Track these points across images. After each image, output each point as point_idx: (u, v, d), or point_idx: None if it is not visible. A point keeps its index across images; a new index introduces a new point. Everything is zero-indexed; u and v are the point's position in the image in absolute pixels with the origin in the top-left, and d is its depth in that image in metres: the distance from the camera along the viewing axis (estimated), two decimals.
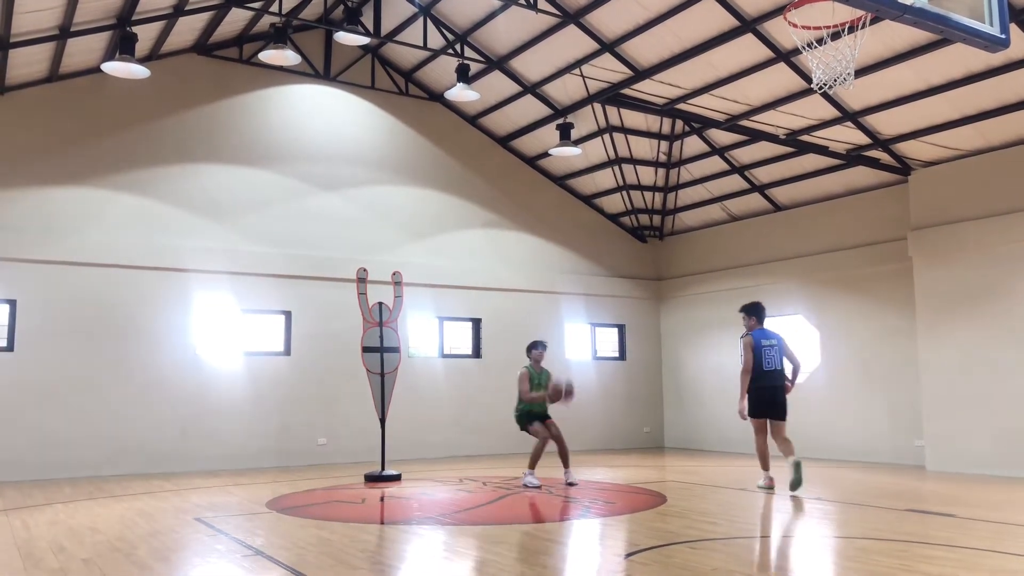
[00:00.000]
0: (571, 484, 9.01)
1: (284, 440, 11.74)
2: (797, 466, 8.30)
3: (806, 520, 6.99)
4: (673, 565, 5.10)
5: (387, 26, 11.85)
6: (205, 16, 10.68)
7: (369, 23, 11.50)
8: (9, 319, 10.32)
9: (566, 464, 9.19)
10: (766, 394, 8.63)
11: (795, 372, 8.89)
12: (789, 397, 8.85)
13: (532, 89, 12.46)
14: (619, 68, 11.05)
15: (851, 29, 5.94)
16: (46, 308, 10.44)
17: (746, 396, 8.63)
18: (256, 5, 10.58)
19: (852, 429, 12.11)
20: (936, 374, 10.77)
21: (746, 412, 8.61)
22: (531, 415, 9.18)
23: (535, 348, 9.37)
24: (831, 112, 10.60)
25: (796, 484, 8.29)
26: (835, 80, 6.25)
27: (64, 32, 9.40)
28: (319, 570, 5.03)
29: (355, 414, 12.04)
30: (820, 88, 6.42)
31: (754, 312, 8.93)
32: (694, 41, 10.07)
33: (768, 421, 8.66)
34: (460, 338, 13.72)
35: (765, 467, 8.74)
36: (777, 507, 7.70)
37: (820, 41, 6.32)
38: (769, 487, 8.60)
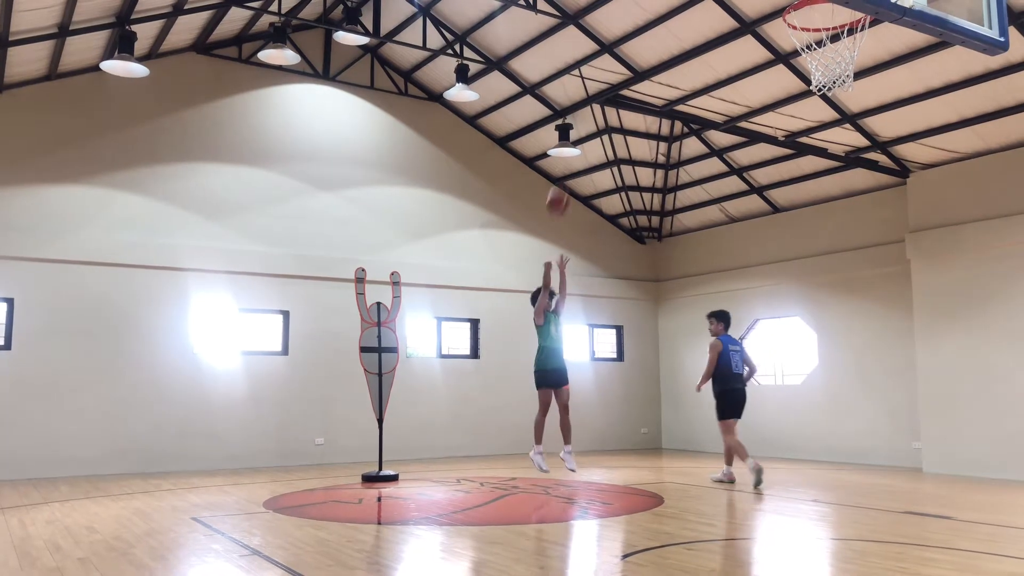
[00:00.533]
0: (570, 469, 8.70)
1: (282, 440, 11.73)
2: (731, 480, 9.29)
3: (803, 522, 6.99)
4: (670, 566, 5.10)
5: (386, 26, 11.85)
6: (204, 15, 10.67)
7: (368, 23, 11.50)
8: (7, 317, 10.31)
9: (566, 439, 8.69)
10: (737, 396, 9.27)
11: (750, 375, 9.60)
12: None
13: (531, 90, 12.46)
14: (618, 69, 11.05)
15: (850, 31, 5.94)
16: (44, 307, 10.43)
17: (710, 380, 9.33)
18: (255, 4, 10.58)
19: (849, 431, 12.12)
20: (934, 376, 10.78)
21: (699, 390, 9.40)
22: (545, 375, 8.68)
23: (540, 295, 8.92)
24: (830, 114, 10.61)
25: (722, 481, 9.30)
26: (834, 82, 6.25)
27: (63, 30, 9.39)
28: (316, 570, 5.02)
29: (353, 414, 12.04)
30: (819, 90, 6.42)
31: (722, 318, 9.57)
32: (693, 42, 10.08)
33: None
34: (458, 338, 13.72)
35: (744, 456, 9.03)
36: (774, 509, 7.70)
37: (819, 43, 6.33)
38: (757, 471, 8.79)
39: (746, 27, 9.46)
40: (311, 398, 12.02)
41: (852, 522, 6.91)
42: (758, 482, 8.78)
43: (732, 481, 9.33)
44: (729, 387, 9.22)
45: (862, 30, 5.88)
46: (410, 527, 6.72)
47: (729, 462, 9.41)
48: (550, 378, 8.68)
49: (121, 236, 11.00)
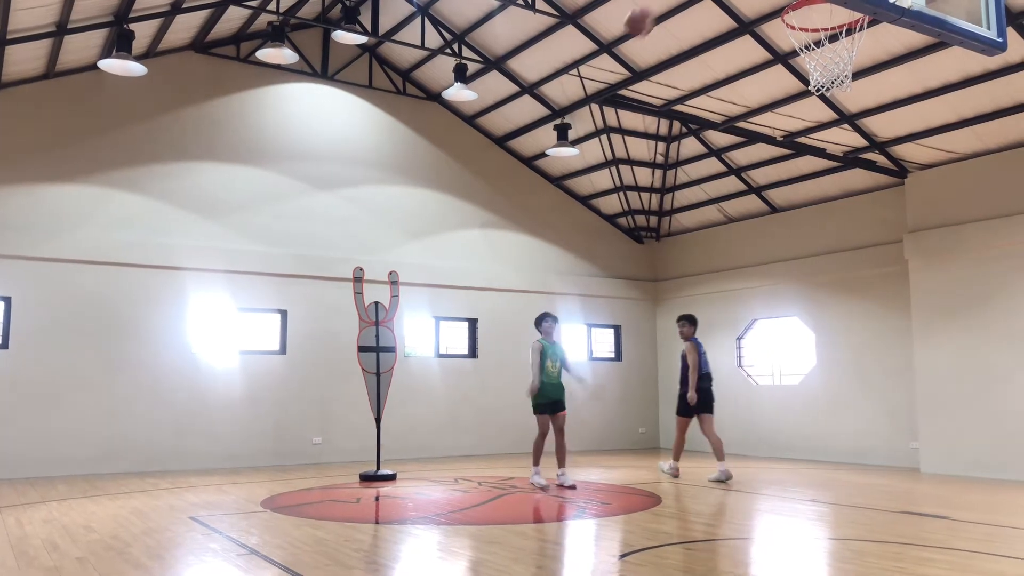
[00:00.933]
0: (569, 487, 8.81)
1: (279, 439, 11.73)
2: (728, 477, 9.58)
3: (800, 522, 7.00)
4: (667, 566, 5.10)
5: (385, 25, 11.85)
6: (202, 14, 10.66)
7: (367, 22, 11.50)
8: (4, 317, 10.30)
9: (560, 463, 9.06)
10: (706, 394, 9.91)
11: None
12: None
13: (530, 89, 12.46)
14: (617, 69, 11.05)
15: (848, 32, 5.95)
16: (41, 306, 10.42)
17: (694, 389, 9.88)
18: (254, 3, 10.57)
19: (847, 431, 12.13)
20: (931, 376, 10.80)
21: (695, 400, 9.82)
22: (542, 407, 8.97)
23: (544, 320, 9.20)
24: (828, 114, 10.62)
25: (721, 481, 9.58)
26: (832, 82, 6.26)
27: (61, 29, 9.38)
28: (314, 569, 5.02)
29: (350, 414, 12.04)
30: (817, 90, 6.43)
31: (694, 322, 10.24)
32: (692, 42, 10.08)
33: (699, 416, 9.89)
34: (456, 338, 13.71)
35: (677, 457, 10.14)
36: (771, 509, 7.71)
37: (818, 43, 6.33)
38: (674, 473, 10.02)
39: (745, 27, 9.46)
40: (309, 397, 12.02)
41: (850, 522, 6.91)
42: (668, 473, 10.02)
43: (728, 478, 9.55)
44: (699, 386, 9.85)
45: (860, 30, 5.89)
46: (408, 526, 6.72)
47: (721, 458, 9.69)
48: (547, 408, 9.07)
49: (119, 235, 10.99)
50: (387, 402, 10.23)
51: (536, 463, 9.07)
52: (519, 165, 14.63)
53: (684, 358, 9.94)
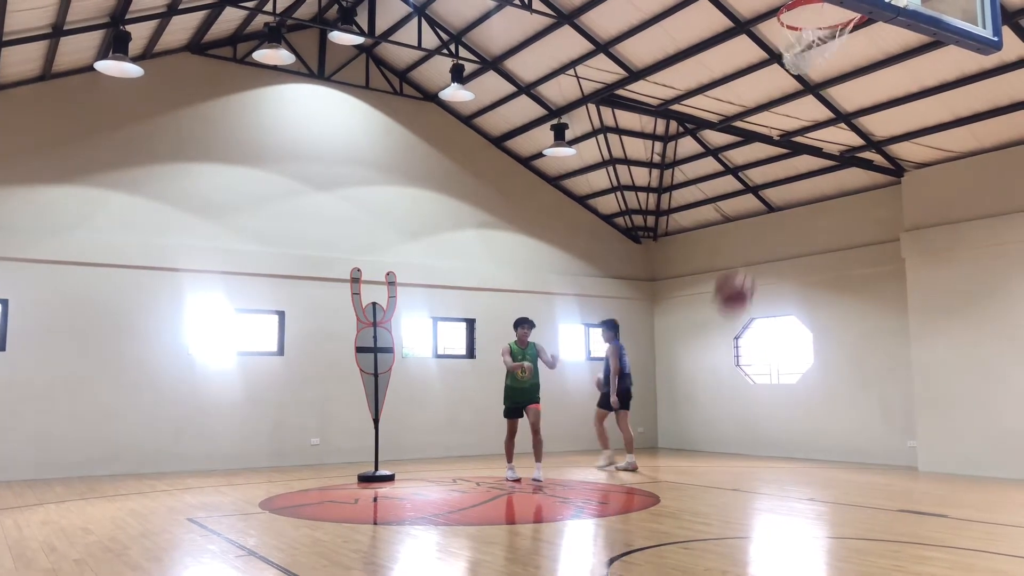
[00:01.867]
0: (535, 480, 9.25)
1: (277, 440, 11.72)
2: (635, 468, 10.62)
3: (799, 521, 7.00)
4: (666, 566, 5.10)
5: (381, 26, 11.85)
6: (199, 15, 10.65)
7: (364, 23, 11.49)
8: (1, 318, 10.28)
9: (537, 458, 9.55)
10: (627, 393, 11.00)
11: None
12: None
13: (526, 89, 12.46)
14: (613, 69, 11.06)
15: (841, 31, 5.93)
16: (38, 307, 10.40)
17: (612, 378, 10.89)
18: (250, 4, 10.56)
19: (845, 430, 12.14)
20: (929, 375, 10.81)
21: (619, 404, 10.87)
22: (507, 410, 9.66)
23: (520, 326, 9.80)
24: (824, 113, 10.63)
25: (626, 470, 10.67)
26: (805, 49, 6.08)
27: (57, 31, 9.37)
28: (312, 571, 5.02)
29: (348, 414, 12.03)
30: (787, 54, 6.17)
31: (613, 327, 11.19)
32: (688, 42, 10.08)
33: (617, 412, 10.95)
34: (454, 338, 13.71)
35: (630, 450, 10.80)
36: (769, 508, 7.71)
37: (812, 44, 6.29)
38: (611, 461, 10.74)
39: (741, 27, 9.46)
40: (307, 398, 12.01)
41: (848, 521, 6.92)
42: (605, 466, 10.55)
43: (635, 469, 10.53)
44: (629, 384, 11.02)
45: (852, 31, 5.87)
46: (406, 527, 6.72)
47: (630, 451, 10.81)
48: (511, 412, 9.75)
49: (116, 236, 10.97)
50: (385, 403, 10.22)
51: (509, 460, 9.74)
52: (516, 165, 14.63)
53: (607, 359, 10.99)
